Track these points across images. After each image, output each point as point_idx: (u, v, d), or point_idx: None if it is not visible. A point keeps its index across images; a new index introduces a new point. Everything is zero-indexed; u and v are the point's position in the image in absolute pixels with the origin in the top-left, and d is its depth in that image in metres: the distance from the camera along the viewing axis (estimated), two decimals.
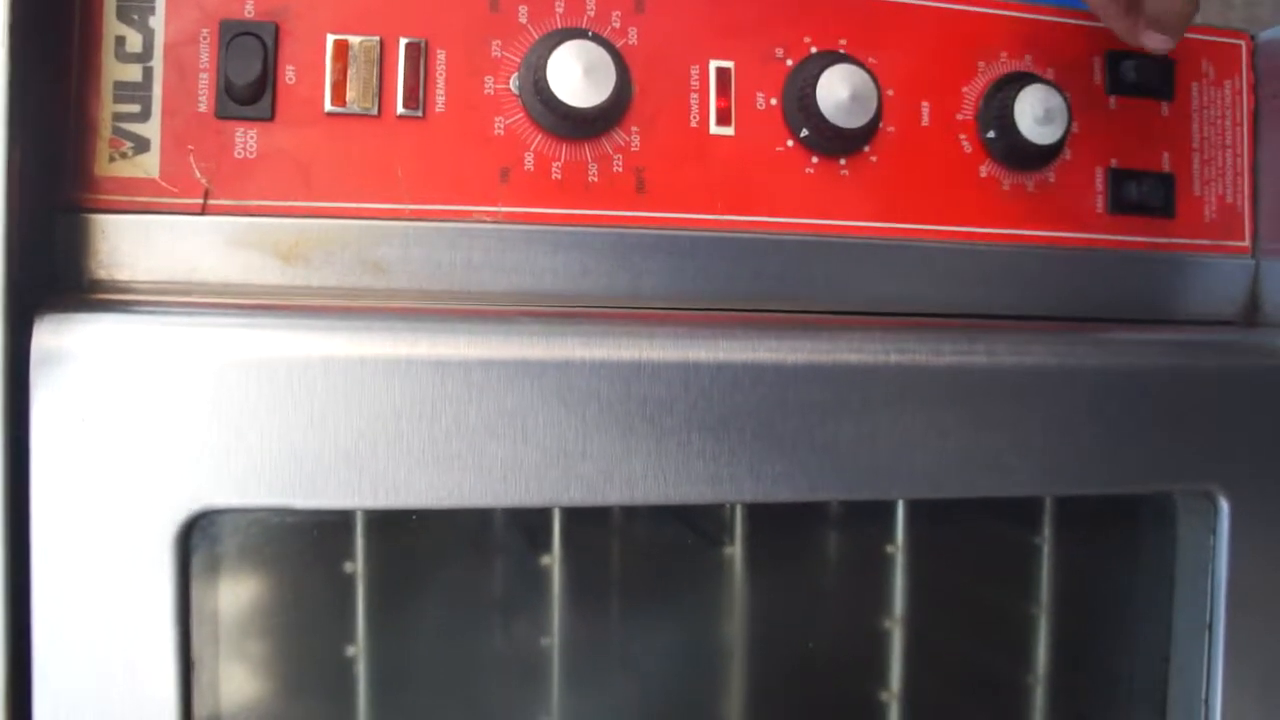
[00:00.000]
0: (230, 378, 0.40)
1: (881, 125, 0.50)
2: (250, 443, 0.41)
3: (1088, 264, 0.54)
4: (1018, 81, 0.51)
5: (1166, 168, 0.55)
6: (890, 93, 0.50)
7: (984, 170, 0.52)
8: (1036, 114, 0.51)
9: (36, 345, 0.39)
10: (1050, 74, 0.53)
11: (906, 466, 0.47)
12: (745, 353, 0.45)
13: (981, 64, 0.52)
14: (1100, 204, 0.54)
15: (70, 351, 0.39)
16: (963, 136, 0.52)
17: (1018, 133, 0.51)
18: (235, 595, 0.47)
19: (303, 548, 0.48)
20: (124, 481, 0.40)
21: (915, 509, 0.55)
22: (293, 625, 0.49)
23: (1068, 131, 0.51)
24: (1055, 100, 0.51)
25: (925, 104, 0.51)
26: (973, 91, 0.52)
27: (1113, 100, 0.55)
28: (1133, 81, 0.55)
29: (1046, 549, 0.56)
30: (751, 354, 0.45)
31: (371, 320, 0.42)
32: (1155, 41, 0.49)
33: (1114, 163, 0.54)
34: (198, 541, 0.42)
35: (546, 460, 0.42)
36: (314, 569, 0.49)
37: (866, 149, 0.50)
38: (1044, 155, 0.52)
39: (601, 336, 0.43)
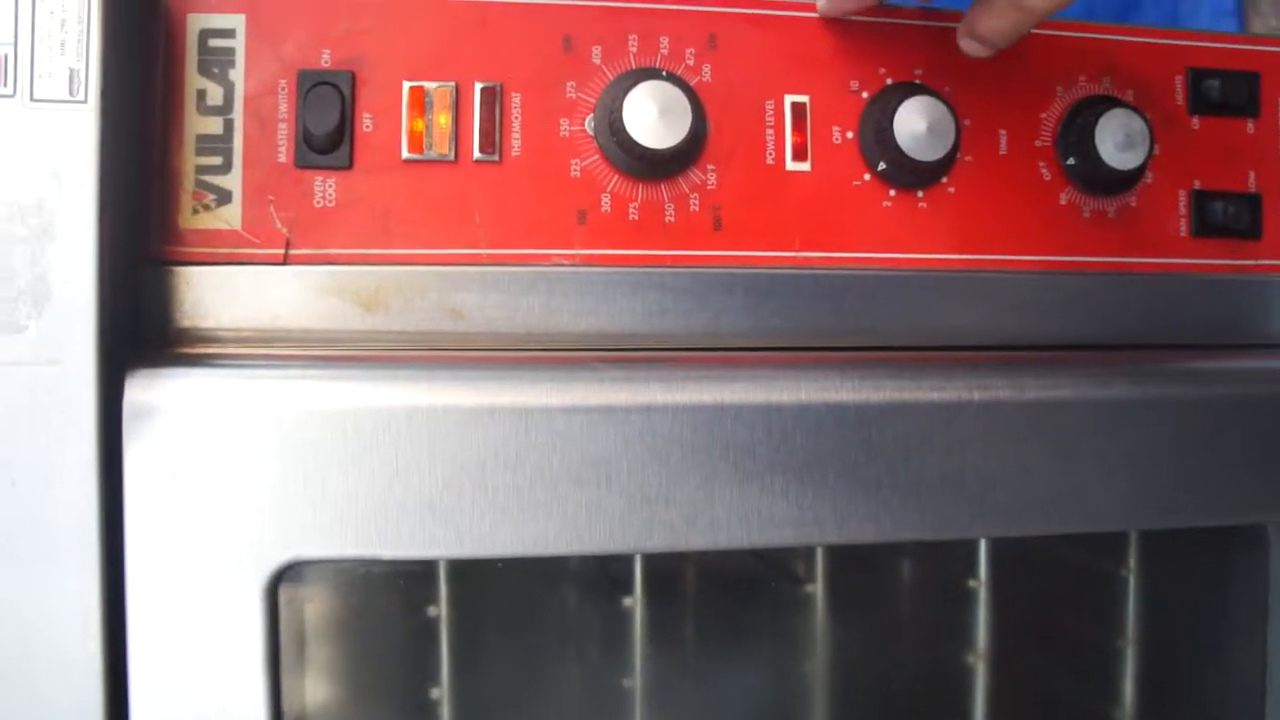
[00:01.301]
0: (316, 430, 0.41)
1: (959, 156, 0.49)
2: (336, 493, 0.41)
3: (1172, 290, 0.53)
4: (1097, 106, 0.50)
5: (1253, 187, 0.54)
6: (967, 122, 0.50)
7: (1064, 197, 0.51)
8: (1118, 139, 0.50)
9: (129, 401, 0.40)
10: (1130, 96, 0.52)
11: (992, 505, 0.46)
12: (827, 394, 0.44)
13: (1059, 89, 0.51)
14: (1184, 227, 0.53)
15: (160, 407, 0.40)
16: (1042, 164, 0.51)
17: (1099, 159, 0.50)
18: (322, 641, 0.48)
19: (388, 593, 0.48)
20: (214, 534, 0.40)
21: (998, 543, 0.54)
22: (379, 668, 0.50)
23: (1150, 155, 0.50)
24: (1137, 124, 0.50)
25: (1003, 132, 0.50)
26: (1051, 117, 0.51)
27: (1195, 120, 0.53)
28: (1216, 100, 0.53)
29: (1133, 581, 0.55)
30: (834, 395, 0.44)
31: (454, 369, 0.42)
32: (974, 50, 0.48)
33: (1197, 184, 0.53)
34: (286, 590, 0.42)
35: (630, 507, 0.42)
36: (399, 614, 0.49)
37: (944, 180, 0.49)
38: (1125, 180, 0.51)
39: (683, 381, 0.43)
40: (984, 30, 0.46)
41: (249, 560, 0.41)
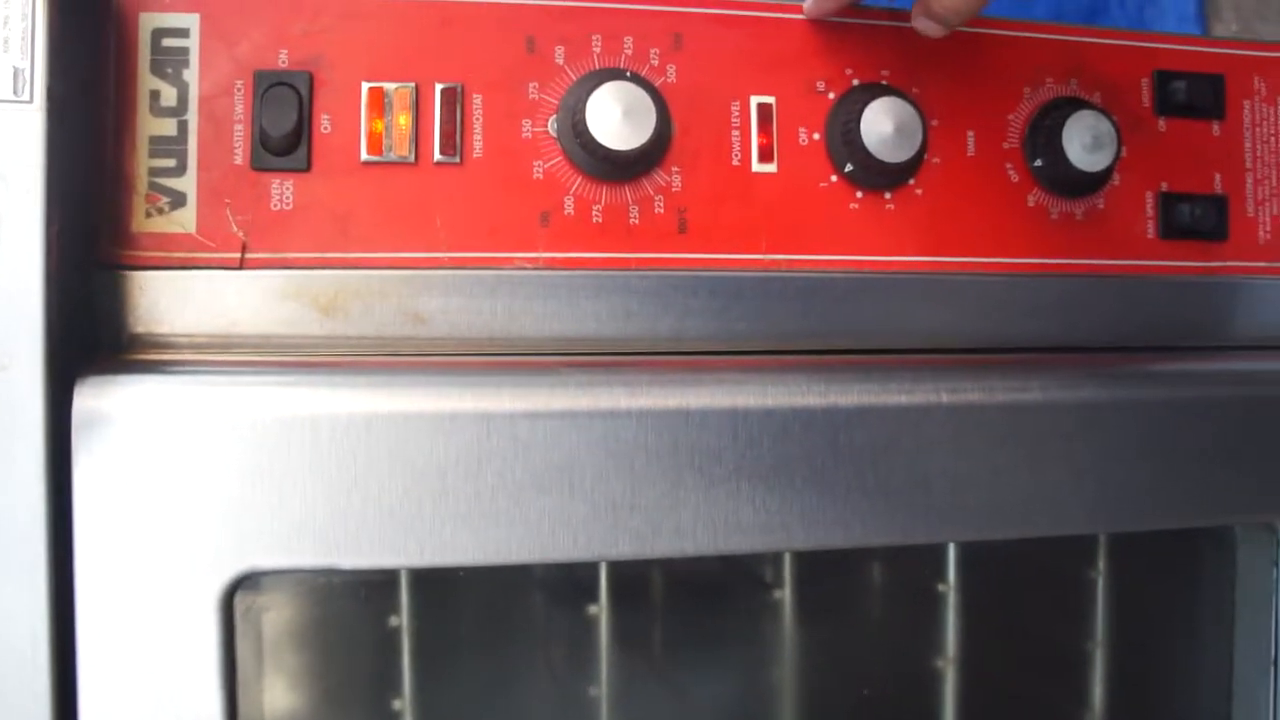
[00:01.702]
0: (272, 437, 0.40)
1: (926, 157, 0.49)
2: (293, 502, 0.40)
3: (1140, 291, 0.52)
4: (1064, 107, 0.50)
5: (1219, 189, 0.54)
6: (934, 123, 0.49)
7: (1032, 199, 0.51)
8: (1085, 141, 0.49)
9: (78, 408, 0.39)
10: (1097, 98, 0.52)
11: (961, 508, 0.45)
12: (794, 398, 0.44)
13: (1026, 90, 0.51)
14: (1151, 229, 0.53)
15: (111, 414, 0.39)
16: (1009, 165, 0.51)
17: (1066, 160, 0.49)
18: (281, 653, 0.47)
19: (348, 604, 0.48)
20: (168, 544, 0.39)
21: (967, 546, 0.54)
22: (339, 681, 0.49)
23: (1117, 157, 0.50)
24: (1104, 126, 0.50)
25: (970, 133, 0.50)
26: (1018, 119, 0.51)
27: (1162, 122, 0.53)
28: (1182, 102, 0.53)
29: (1102, 583, 0.55)
30: (801, 399, 0.44)
31: (414, 375, 0.42)
32: (928, 29, 0.47)
33: (1164, 186, 0.53)
34: (242, 601, 0.41)
35: (594, 514, 0.41)
36: (359, 625, 0.48)
37: (911, 182, 0.49)
38: (1093, 182, 0.51)
39: (648, 385, 0.42)
40: (939, 8, 0.46)
41: (203, 571, 0.40)
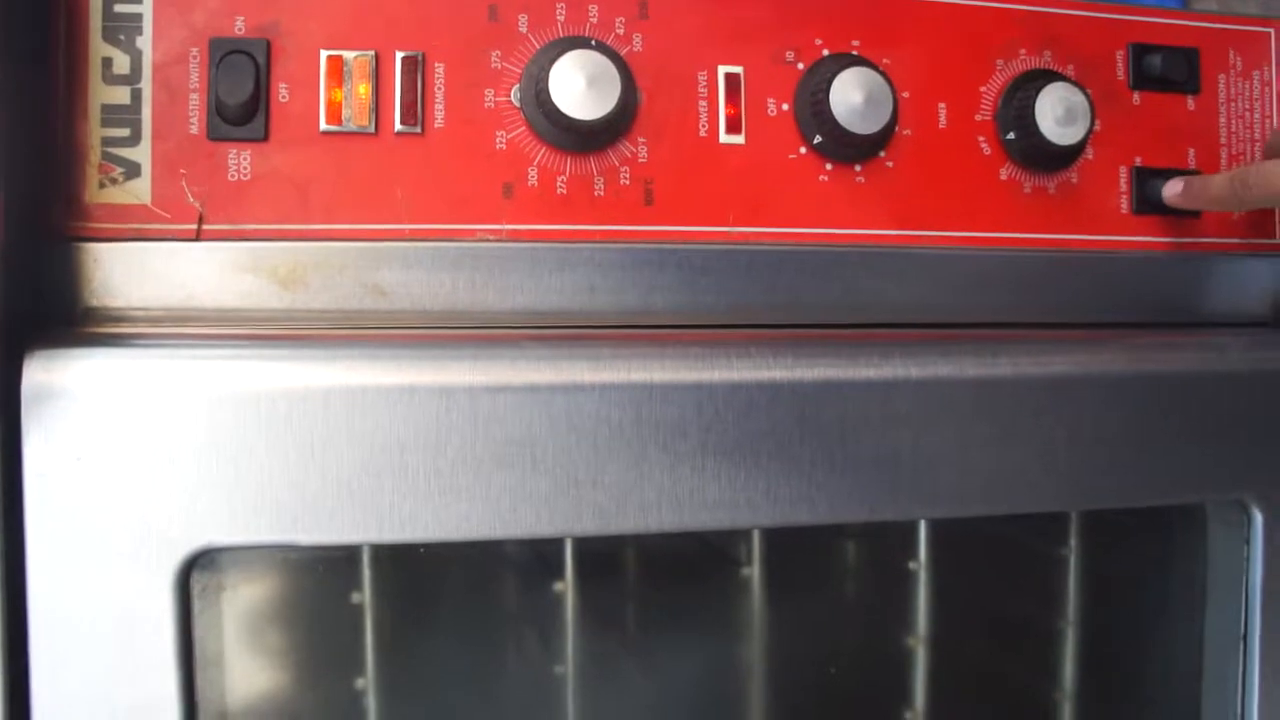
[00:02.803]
0: (228, 412, 0.39)
1: (897, 129, 0.49)
2: (251, 478, 0.39)
3: (1112, 266, 0.52)
4: (1037, 80, 0.50)
5: (1193, 164, 0.53)
6: (905, 95, 0.49)
7: (1004, 173, 0.50)
8: (1058, 114, 0.49)
9: (27, 383, 0.38)
10: (1071, 70, 0.51)
11: (930, 485, 0.45)
12: (760, 372, 0.43)
13: (999, 62, 0.51)
14: (1125, 204, 0.52)
15: (63, 388, 0.38)
16: (981, 138, 0.50)
17: (1038, 133, 0.49)
18: (240, 632, 0.46)
19: (308, 581, 0.47)
20: (122, 521, 0.39)
21: (937, 524, 0.53)
22: (300, 660, 0.48)
23: (1090, 130, 0.50)
24: (1077, 99, 0.49)
25: (942, 105, 0.50)
26: (991, 91, 0.50)
27: (1136, 96, 0.53)
28: (1157, 76, 0.53)
29: (1073, 561, 0.55)
30: (767, 373, 0.43)
31: (373, 348, 0.41)
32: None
33: (1138, 161, 0.52)
34: (199, 579, 0.41)
35: (557, 489, 0.41)
36: (320, 602, 0.47)
37: (882, 154, 0.48)
38: (1066, 156, 0.51)
39: (611, 359, 0.42)
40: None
41: (158, 549, 0.39)
